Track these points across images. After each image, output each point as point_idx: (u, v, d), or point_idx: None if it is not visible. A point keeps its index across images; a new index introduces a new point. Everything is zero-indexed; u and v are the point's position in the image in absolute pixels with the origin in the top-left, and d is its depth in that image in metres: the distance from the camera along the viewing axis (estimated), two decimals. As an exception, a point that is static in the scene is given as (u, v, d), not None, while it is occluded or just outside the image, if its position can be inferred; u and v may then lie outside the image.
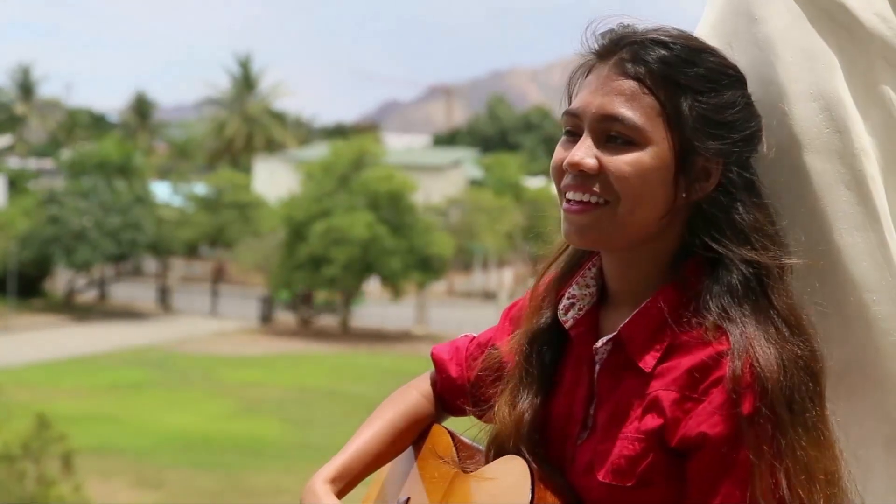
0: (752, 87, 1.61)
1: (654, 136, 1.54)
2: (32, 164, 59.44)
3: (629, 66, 1.56)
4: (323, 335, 39.42)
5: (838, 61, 1.65)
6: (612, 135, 1.55)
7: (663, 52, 1.55)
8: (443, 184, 49.00)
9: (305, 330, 40.68)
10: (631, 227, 1.55)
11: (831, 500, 1.49)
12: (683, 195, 1.55)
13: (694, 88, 1.54)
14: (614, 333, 1.59)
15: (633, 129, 1.54)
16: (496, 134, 77.51)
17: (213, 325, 40.61)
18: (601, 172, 1.55)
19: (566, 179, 1.57)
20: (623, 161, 1.54)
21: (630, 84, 1.55)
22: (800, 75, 1.64)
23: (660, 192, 1.54)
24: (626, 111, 1.55)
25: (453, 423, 1.84)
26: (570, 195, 1.57)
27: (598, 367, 1.61)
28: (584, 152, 1.56)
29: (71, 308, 42.96)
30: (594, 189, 1.55)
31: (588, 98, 1.58)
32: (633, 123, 1.54)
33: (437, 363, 1.85)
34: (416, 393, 1.86)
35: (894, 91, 1.67)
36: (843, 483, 1.51)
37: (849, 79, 1.65)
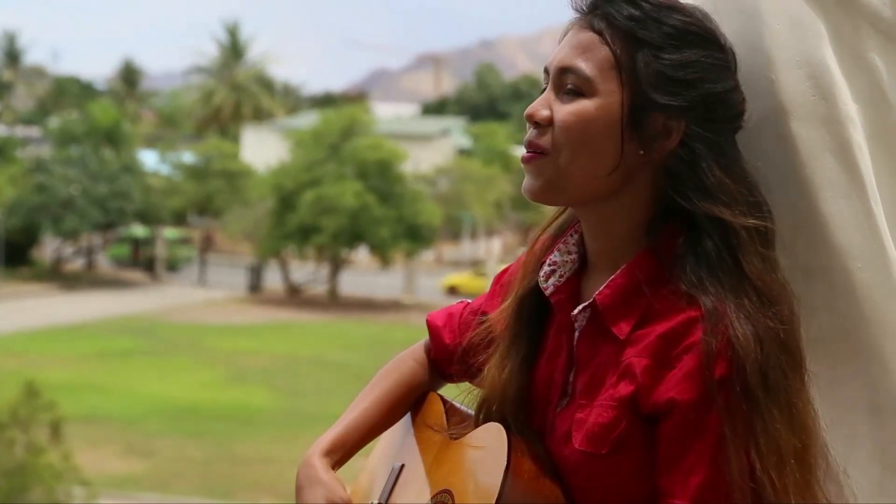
0: (738, 55, 1.60)
1: (603, 87, 1.55)
2: (19, 131, 59.19)
3: (595, 21, 1.57)
4: (312, 304, 39.46)
5: (825, 28, 1.65)
6: (569, 87, 1.56)
7: (631, 8, 1.56)
8: (431, 153, 48.95)
9: (294, 299, 40.71)
10: (576, 178, 1.56)
11: (804, 480, 1.48)
12: (641, 152, 1.55)
13: (653, 44, 1.54)
14: (590, 301, 1.59)
15: (583, 79, 1.55)
16: (485, 103, 77.42)
17: (201, 294, 40.62)
18: (552, 123, 1.56)
19: (527, 132, 1.60)
20: (566, 110, 1.56)
21: (589, 36, 1.57)
22: (786, 42, 1.64)
23: (604, 143, 1.54)
24: (579, 62, 1.56)
25: (452, 390, 1.85)
26: (527, 146, 1.59)
27: (577, 335, 1.62)
28: (540, 104, 1.58)
29: (58, 276, 42.92)
30: (545, 139, 1.57)
31: (555, 53, 1.60)
32: (584, 74, 1.55)
33: (432, 330, 1.85)
34: (411, 361, 1.86)
35: (880, 58, 1.66)
36: (817, 462, 1.51)
37: (835, 46, 1.65)
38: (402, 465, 1.80)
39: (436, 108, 79.67)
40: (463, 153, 51.97)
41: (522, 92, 77.93)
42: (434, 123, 59.15)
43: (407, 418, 1.85)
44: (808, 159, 1.63)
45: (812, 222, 1.62)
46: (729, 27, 1.62)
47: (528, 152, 1.58)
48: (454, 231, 50.00)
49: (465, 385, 1.81)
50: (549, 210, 1.71)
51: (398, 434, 1.85)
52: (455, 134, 56.31)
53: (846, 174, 1.62)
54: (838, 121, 1.63)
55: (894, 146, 1.67)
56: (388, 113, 69.19)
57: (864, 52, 1.66)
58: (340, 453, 1.76)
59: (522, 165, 1.60)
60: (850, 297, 1.62)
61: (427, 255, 46.38)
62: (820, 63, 1.63)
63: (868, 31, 1.67)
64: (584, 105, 1.55)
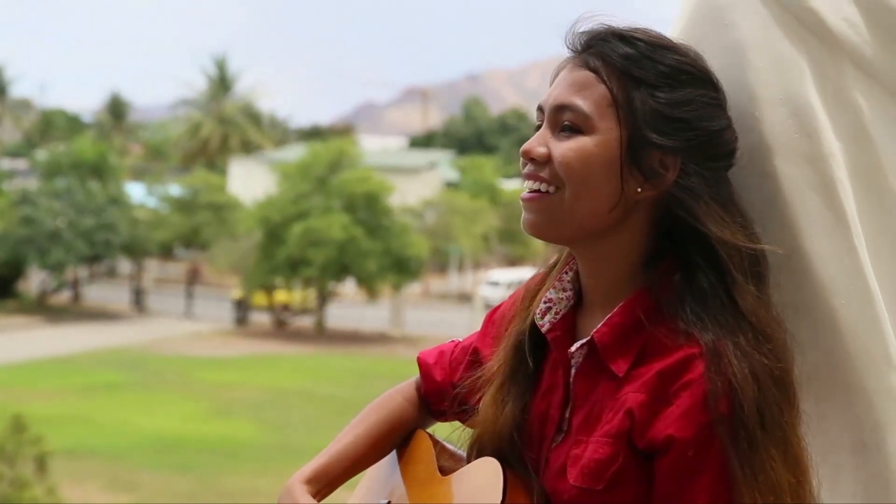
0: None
1: (600, 125, 1.56)
2: (6, 164, 59.06)
3: (590, 59, 1.59)
4: (298, 337, 39.32)
5: (808, 66, 1.66)
6: (565, 124, 1.57)
7: (626, 48, 1.57)
8: (418, 186, 48.96)
9: (281, 331, 40.58)
10: (578, 215, 1.57)
11: None
12: (639, 189, 1.56)
13: (649, 83, 1.55)
14: (587, 338, 1.59)
15: (581, 116, 1.56)
16: (472, 136, 77.62)
17: (187, 327, 40.46)
18: (551, 160, 1.57)
19: (524, 169, 1.61)
20: (566, 146, 1.57)
21: (585, 75, 1.58)
22: (770, 80, 1.65)
23: (605, 180, 1.56)
24: (576, 100, 1.57)
25: (440, 428, 1.85)
26: (525, 184, 1.60)
27: (573, 371, 1.62)
28: (537, 141, 1.59)
29: (44, 309, 42.71)
30: (544, 177, 1.58)
31: (550, 91, 1.62)
32: (581, 111, 1.56)
33: (423, 368, 1.86)
34: (400, 398, 1.86)
35: (862, 95, 1.67)
36: (811, 497, 1.52)
37: (818, 83, 1.66)
38: (389, 502, 1.80)
39: (423, 141, 79.77)
40: (450, 186, 52.01)
41: (509, 125, 78.19)
42: (421, 156, 59.20)
43: (393, 455, 1.85)
44: (791, 196, 1.64)
45: (795, 259, 1.63)
46: (713, 64, 1.64)
47: (529, 191, 1.59)
48: (441, 264, 49.93)
49: (454, 424, 1.81)
50: (538, 244, 1.72)
51: (383, 470, 1.85)
52: (442, 167, 56.37)
53: (829, 211, 1.63)
54: (821, 158, 1.64)
55: (876, 183, 1.68)
56: (376, 146, 69.23)
57: (847, 89, 1.67)
58: (322, 483, 1.76)
59: (522, 203, 1.60)
60: (835, 334, 1.63)
61: (414, 288, 46.29)
62: (803, 101, 1.65)
63: (850, 70, 1.68)
64: (584, 142, 1.56)
